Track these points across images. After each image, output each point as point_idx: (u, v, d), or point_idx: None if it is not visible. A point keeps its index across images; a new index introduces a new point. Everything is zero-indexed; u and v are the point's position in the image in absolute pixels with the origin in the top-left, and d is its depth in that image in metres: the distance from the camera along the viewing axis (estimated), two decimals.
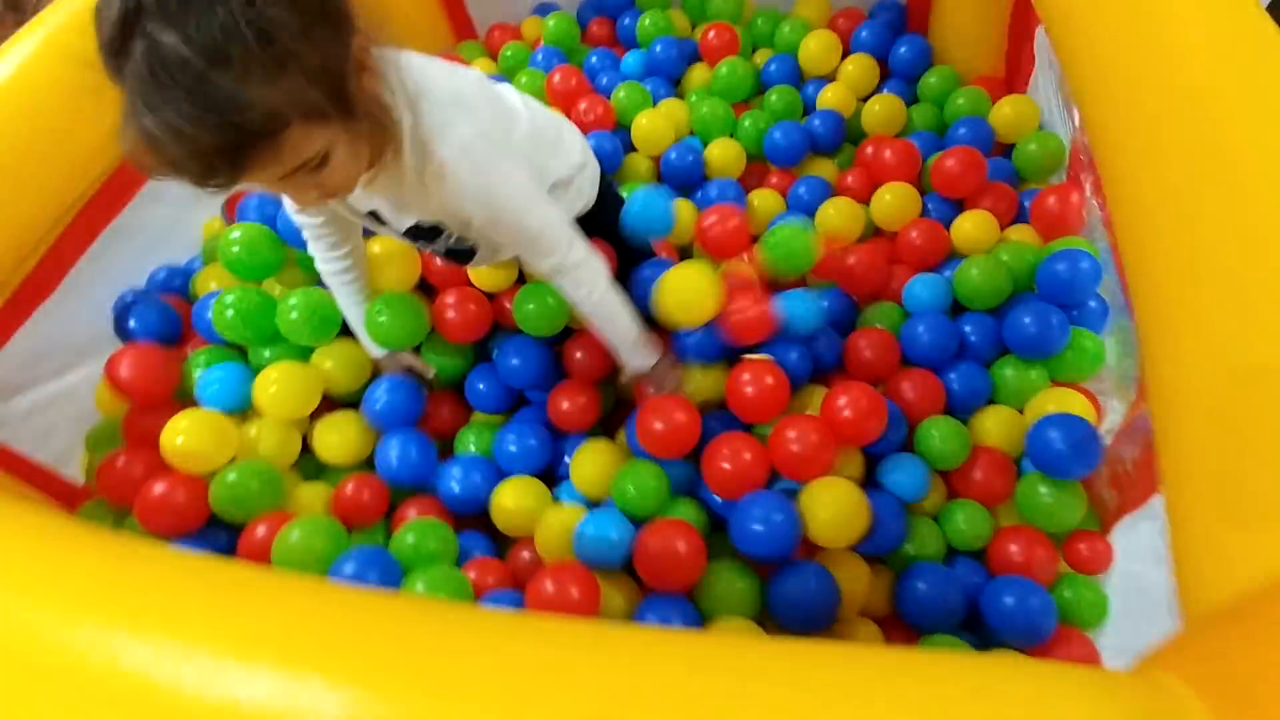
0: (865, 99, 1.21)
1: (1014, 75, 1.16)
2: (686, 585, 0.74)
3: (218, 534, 0.82)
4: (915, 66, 1.22)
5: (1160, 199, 0.52)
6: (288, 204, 0.58)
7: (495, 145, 0.67)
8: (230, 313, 0.91)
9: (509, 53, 1.38)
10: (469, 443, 0.92)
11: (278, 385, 0.87)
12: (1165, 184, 0.52)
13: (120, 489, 0.84)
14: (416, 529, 0.79)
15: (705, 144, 1.21)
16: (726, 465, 0.78)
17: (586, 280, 0.75)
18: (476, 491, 0.84)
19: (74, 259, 1.02)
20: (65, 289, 0.99)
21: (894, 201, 1.04)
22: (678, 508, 0.82)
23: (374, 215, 0.74)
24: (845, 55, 1.25)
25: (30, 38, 0.83)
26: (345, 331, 0.92)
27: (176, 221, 1.15)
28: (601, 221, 0.89)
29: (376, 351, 0.91)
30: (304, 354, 0.93)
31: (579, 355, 0.89)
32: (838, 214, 1.06)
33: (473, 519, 0.87)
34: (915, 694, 0.29)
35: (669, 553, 0.72)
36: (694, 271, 0.82)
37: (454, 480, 0.85)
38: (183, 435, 0.82)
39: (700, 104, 1.22)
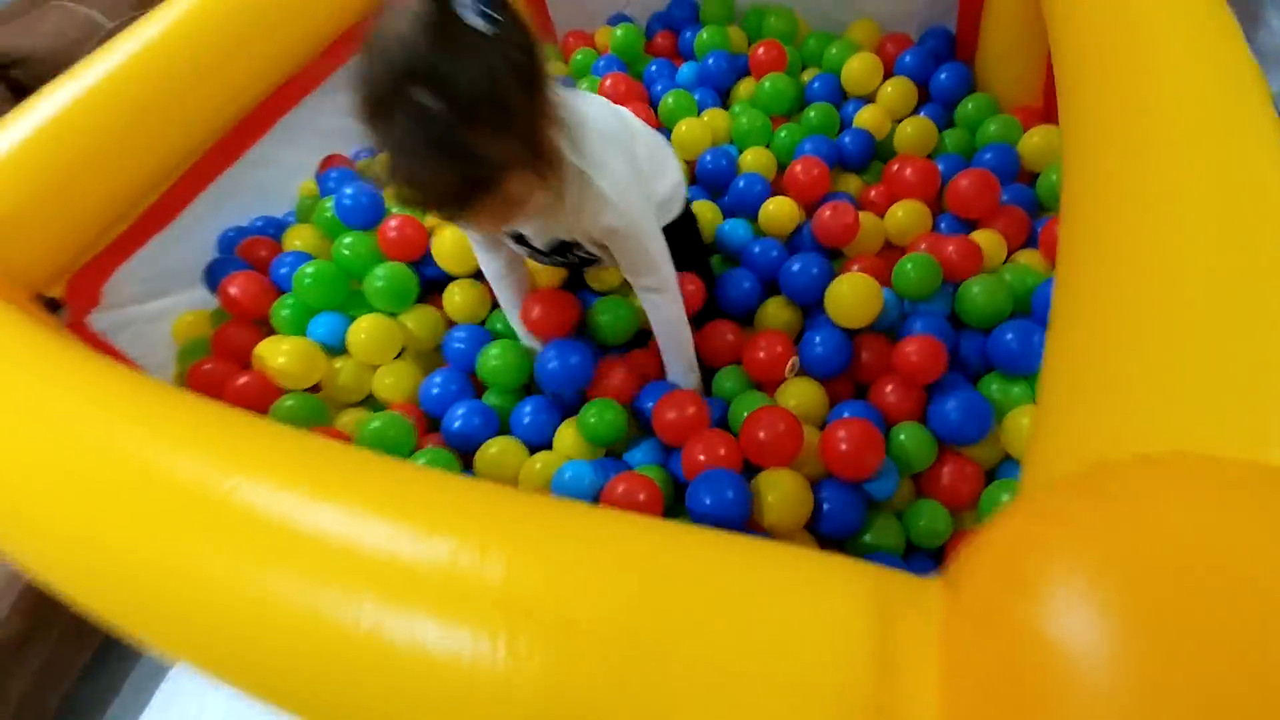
0: (901, 120, 1.26)
1: (1051, 107, 1.18)
2: None
3: None
4: (954, 93, 1.26)
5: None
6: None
7: (635, 176, 0.78)
8: (308, 280, 1.08)
9: (579, 57, 1.51)
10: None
11: (366, 333, 1.03)
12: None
13: (205, 389, 1.02)
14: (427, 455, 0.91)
15: (741, 152, 1.29)
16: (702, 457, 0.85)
17: (670, 301, 0.86)
18: (475, 434, 0.95)
19: (189, 199, 1.23)
20: (180, 223, 1.20)
21: (905, 218, 1.09)
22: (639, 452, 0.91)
23: (518, 235, 0.84)
24: (889, 78, 1.31)
25: None
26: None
27: (277, 180, 1.34)
28: (681, 236, 0.95)
29: (530, 342, 1.00)
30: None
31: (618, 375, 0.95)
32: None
33: None
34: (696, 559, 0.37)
35: (631, 504, 0.81)
36: None
37: (457, 419, 0.95)
38: (284, 356, 1.01)
39: (741, 115, 1.30)
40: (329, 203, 1.20)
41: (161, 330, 1.19)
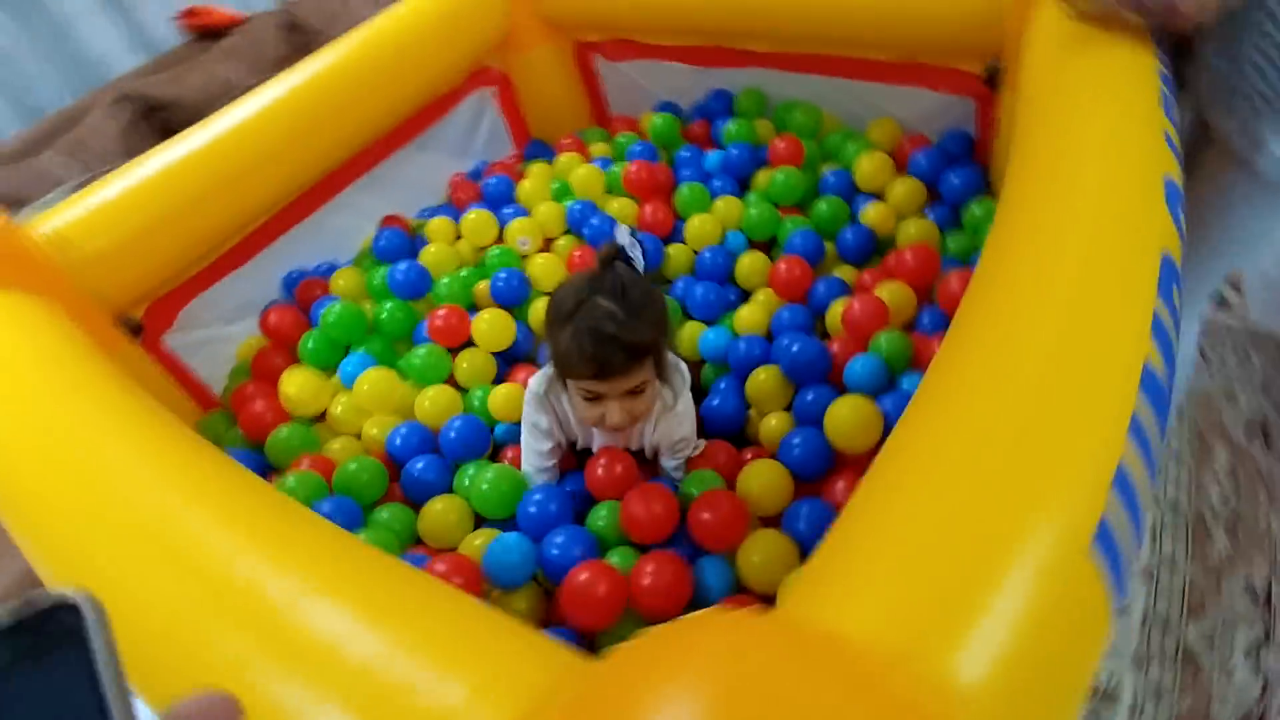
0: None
1: None
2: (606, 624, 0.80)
3: None
4: (963, 195, 1.26)
5: None
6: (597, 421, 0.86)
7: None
8: (331, 317, 1.26)
9: (620, 139, 1.64)
10: None
11: (369, 384, 1.17)
12: None
13: (240, 405, 1.22)
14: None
15: (750, 241, 1.36)
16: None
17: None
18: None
19: (269, 241, 1.44)
20: (257, 260, 1.41)
21: (888, 298, 1.10)
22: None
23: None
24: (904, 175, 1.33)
25: None
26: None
27: (351, 226, 1.55)
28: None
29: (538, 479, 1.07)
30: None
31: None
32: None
33: None
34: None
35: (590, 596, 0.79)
36: None
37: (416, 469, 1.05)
38: (294, 386, 1.19)
39: (752, 206, 1.36)
40: (380, 271, 1.37)
41: (228, 352, 1.39)
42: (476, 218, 1.44)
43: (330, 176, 1.52)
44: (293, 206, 1.46)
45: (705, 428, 1.06)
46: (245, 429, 1.19)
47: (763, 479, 0.91)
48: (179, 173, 1.20)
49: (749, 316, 1.21)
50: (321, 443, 1.18)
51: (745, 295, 1.30)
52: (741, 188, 1.47)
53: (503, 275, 1.31)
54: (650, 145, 1.57)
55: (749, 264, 1.30)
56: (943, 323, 1.08)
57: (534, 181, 1.54)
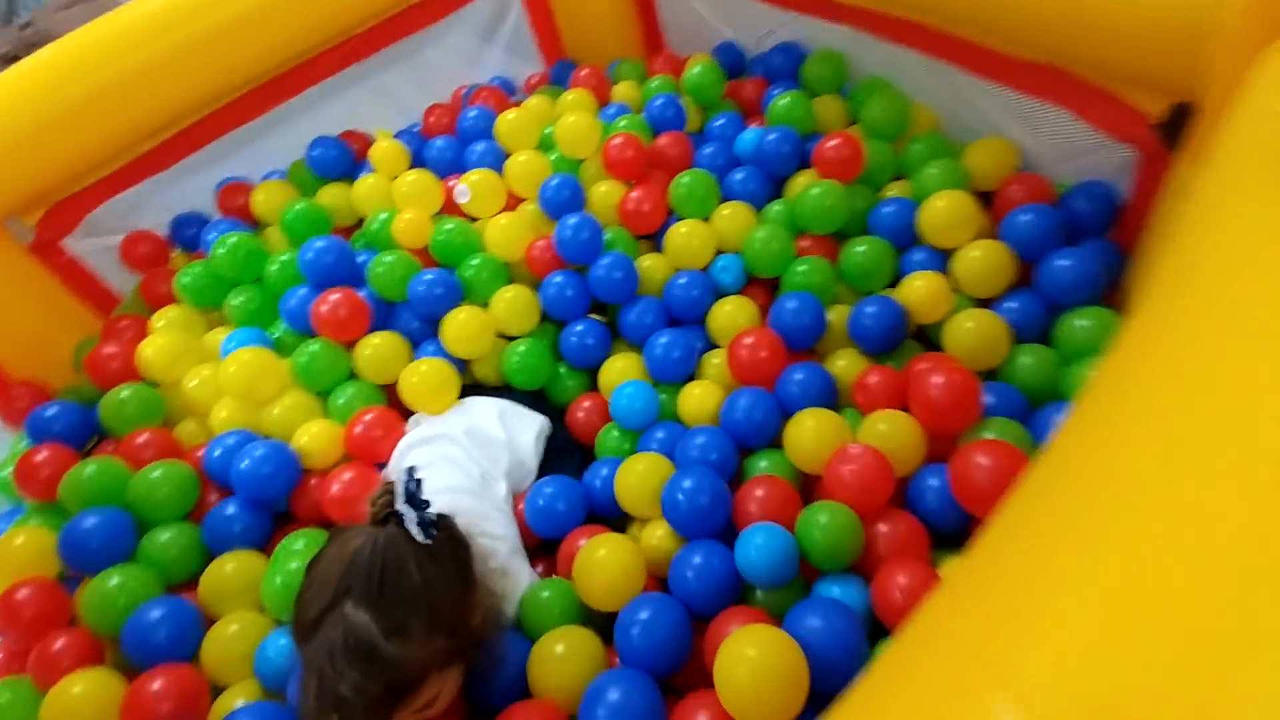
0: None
1: None
2: None
3: None
4: (1070, 292, 0.81)
5: None
6: None
7: None
8: (222, 250, 1.05)
9: (653, 83, 1.24)
10: None
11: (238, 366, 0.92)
12: None
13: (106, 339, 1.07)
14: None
15: (751, 275, 0.98)
16: None
17: None
18: None
19: (190, 151, 1.22)
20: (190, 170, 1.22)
21: (889, 430, 0.73)
22: None
23: None
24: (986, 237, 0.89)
25: None
26: None
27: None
28: None
29: None
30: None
31: None
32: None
33: None
34: None
35: None
36: None
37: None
38: (152, 348, 0.97)
39: (761, 229, 0.96)
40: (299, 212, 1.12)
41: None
42: (416, 179, 1.10)
43: (290, 74, 1.25)
44: (237, 107, 1.22)
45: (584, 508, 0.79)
46: (92, 373, 1.01)
47: None
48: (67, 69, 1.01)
49: (699, 398, 0.86)
50: (171, 417, 0.99)
51: (712, 349, 0.94)
52: (774, 189, 1.07)
53: (387, 259, 1.00)
54: (677, 101, 1.17)
55: (728, 313, 0.93)
56: (939, 504, 0.69)
57: (524, 118, 1.18)
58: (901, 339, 0.86)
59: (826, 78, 1.13)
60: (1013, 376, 0.79)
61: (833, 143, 0.99)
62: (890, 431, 0.73)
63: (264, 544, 0.84)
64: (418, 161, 1.22)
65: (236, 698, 0.69)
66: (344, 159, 1.24)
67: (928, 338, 0.88)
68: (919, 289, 0.86)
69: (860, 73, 1.13)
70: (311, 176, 1.24)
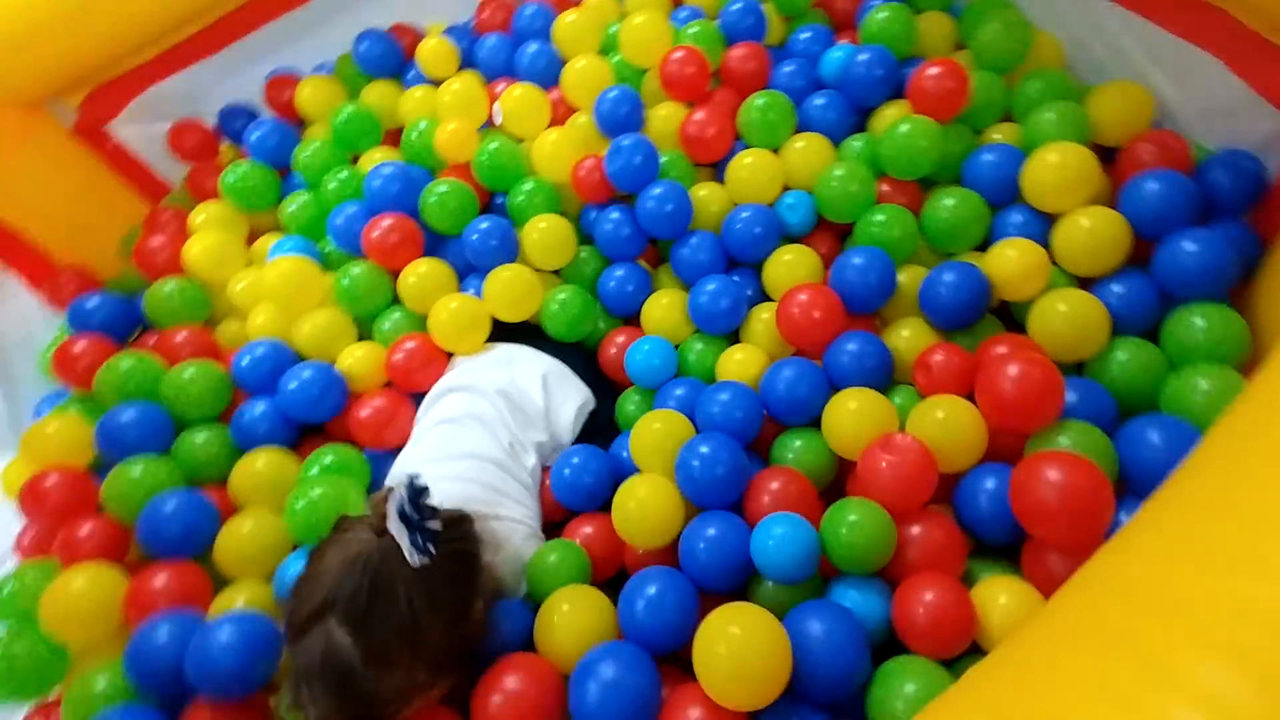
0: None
1: None
2: None
3: None
4: (1195, 287, 0.69)
5: None
6: None
7: None
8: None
9: None
10: None
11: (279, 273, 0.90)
12: None
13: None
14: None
15: (822, 217, 0.88)
16: None
17: None
18: None
19: (238, 36, 1.16)
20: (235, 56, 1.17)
21: (939, 429, 0.65)
22: None
23: None
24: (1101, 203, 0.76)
25: None
26: None
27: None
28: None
29: None
30: None
31: None
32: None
33: None
34: None
35: None
36: None
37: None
38: (199, 245, 0.97)
39: (840, 165, 0.85)
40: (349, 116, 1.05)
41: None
42: (461, 88, 1.00)
43: None
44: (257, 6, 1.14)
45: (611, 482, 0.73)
46: (140, 264, 1.00)
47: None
48: None
49: (741, 364, 0.79)
50: (215, 315, 0.99)
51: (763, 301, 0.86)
52: (858, 121, 0.94)
53: (440, 190, 0.93)
54: (758, 8, 1.03)
55: (787, 262, 0.84)
56: (989, 511, 0.62)
57: (585, 19, 1.06)
58: (979, 315, 0.76)
59: None
60: (1104, 374, 0.69)
61: (933, 70, 0.85)
62: (947, 420, 0.65)
63: (294, 448, 0.84)
64: (467, 63, 1.13)
65: (240, 594, 0.70)
66: (391, 55, 1.15)
67: (1010, 316, 0.78)
68: (1010, 259, 0.75)
69: None
70: (358, 73, 1.16)
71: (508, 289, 0.85)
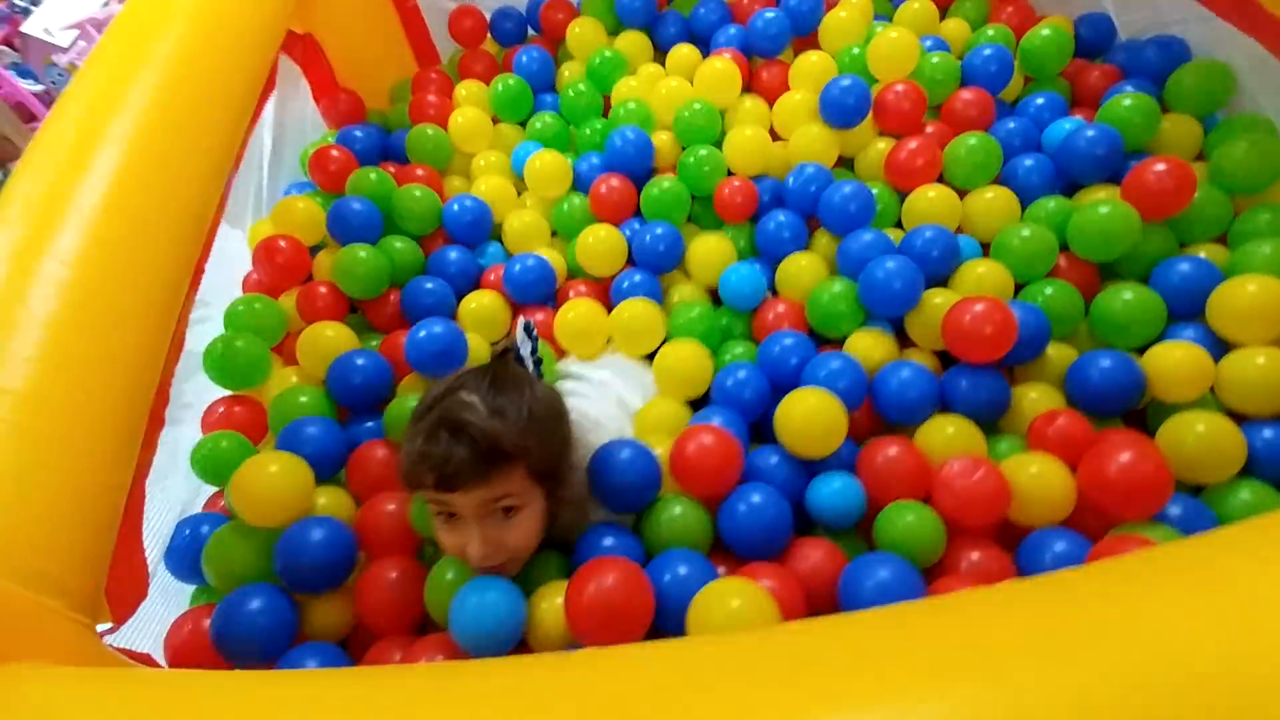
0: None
1: None
2: None
3: None
4: None
5: None
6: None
7: None
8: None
9: (988, 31, 1.11)
10: None
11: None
12: None
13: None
14: None
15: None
16: None
17: None
18: None
19: None
20: None
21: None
22: None
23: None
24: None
25: None
26: None
27: None
28: None
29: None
30: None
31: None
32: None
33: None
34: None
35: None
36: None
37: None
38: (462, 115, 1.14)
39: (1024, 226, 0.87)
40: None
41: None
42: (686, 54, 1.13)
43: None
44: None
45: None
46: (412, 110, 1.19)
47: None
48: None
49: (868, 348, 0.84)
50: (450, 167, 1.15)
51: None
52: (1063, 194, 0.94)
53: (664, 185, 1.02)
54: (1009, 61, 1.04)
55: (936, 305, 0.85)
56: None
57: (852, 16, 1.11)
58: (1123, 408, 0.76)
59: (1196, 96, 0.94)
60: (1221, 506, 0.67)
61: (1159, 166, 0.84)
62: (1040, 475, 0.67)
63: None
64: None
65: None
66: (649, 6, 1.24)
67: (1144, 419, 0.77)
68: (1174, 359, 0.74)
69: (1244, 106, 0.92)
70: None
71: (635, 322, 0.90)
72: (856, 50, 1.08)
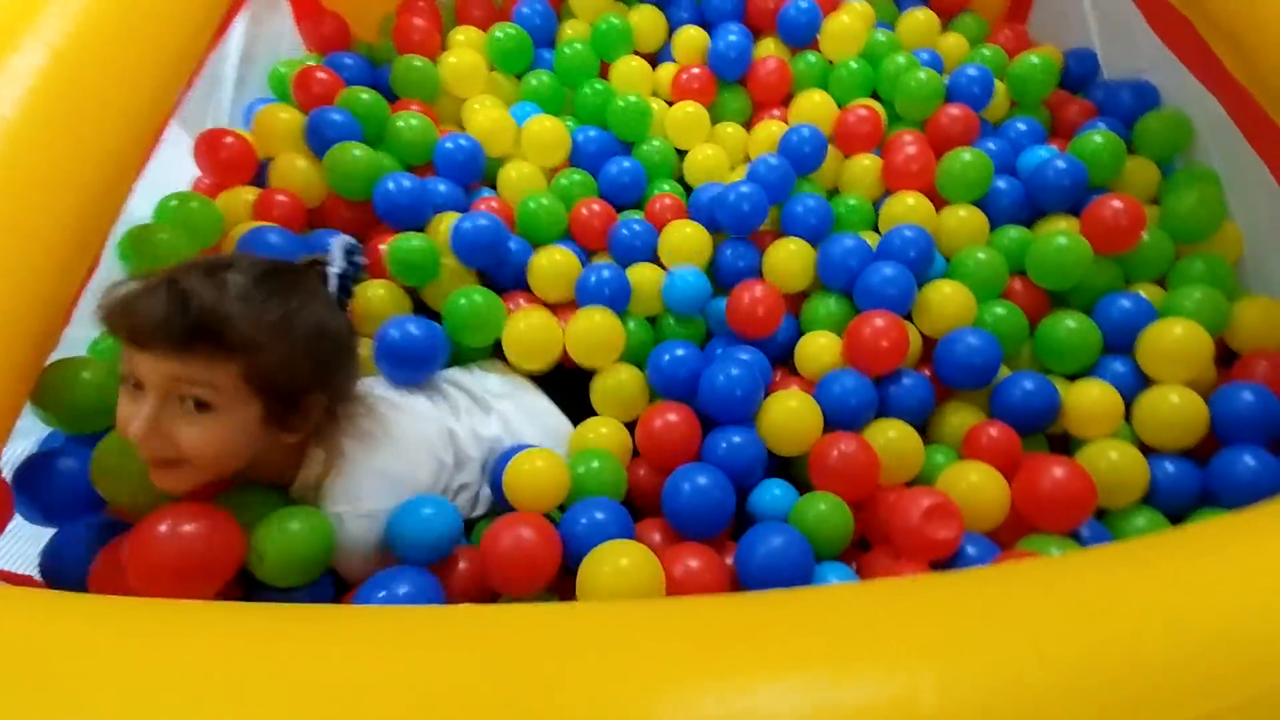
0: None
1: None
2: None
3: None
4: None
5: None
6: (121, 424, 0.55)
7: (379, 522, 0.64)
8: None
9: (983, 51, 1.15)
10: None
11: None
12: None
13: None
14: None
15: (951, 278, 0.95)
16: None
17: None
18: None
19: None
20: None
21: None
22: None
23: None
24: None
25: None
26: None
27: None
28: None
29: None
30: None
31: None
32: None
33: None
34: None
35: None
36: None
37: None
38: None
39: (982, 250, 0.92)
40: None
41: None
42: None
43: None
44: None
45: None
46: (396, 38, 1.13)
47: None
48: None
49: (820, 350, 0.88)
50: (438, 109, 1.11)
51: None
52: (1025, 221, 1.00)
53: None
54: (990, 86, 1.07)
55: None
56: None
57: (850, 24, 1.14)
58: (1037, 429, 0.83)
59: (1158, 142, 1.00)
60: (1118, 530, 0.76)
61: (1116, 204, 0.89)
62: (978, 485, 0.73)
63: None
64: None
65: None
66: None
67: (1065, 442, 0.85)
68: (1090, 396, 0.81)
69: (1200, 157, 0.99)
70: None
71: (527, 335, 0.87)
72: (855, 64, 1.10)
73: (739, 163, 1.11)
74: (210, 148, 0.95)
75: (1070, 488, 0.70)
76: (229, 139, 0.96)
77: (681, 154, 1.11)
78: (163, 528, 0.53)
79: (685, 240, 0.95)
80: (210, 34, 0.85)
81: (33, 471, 0.64)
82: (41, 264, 0.57)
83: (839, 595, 0.42)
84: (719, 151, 1.08)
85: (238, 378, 0.54)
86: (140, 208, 0.81)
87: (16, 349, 0.55)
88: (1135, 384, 0.84)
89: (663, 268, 0.95)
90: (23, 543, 0.69)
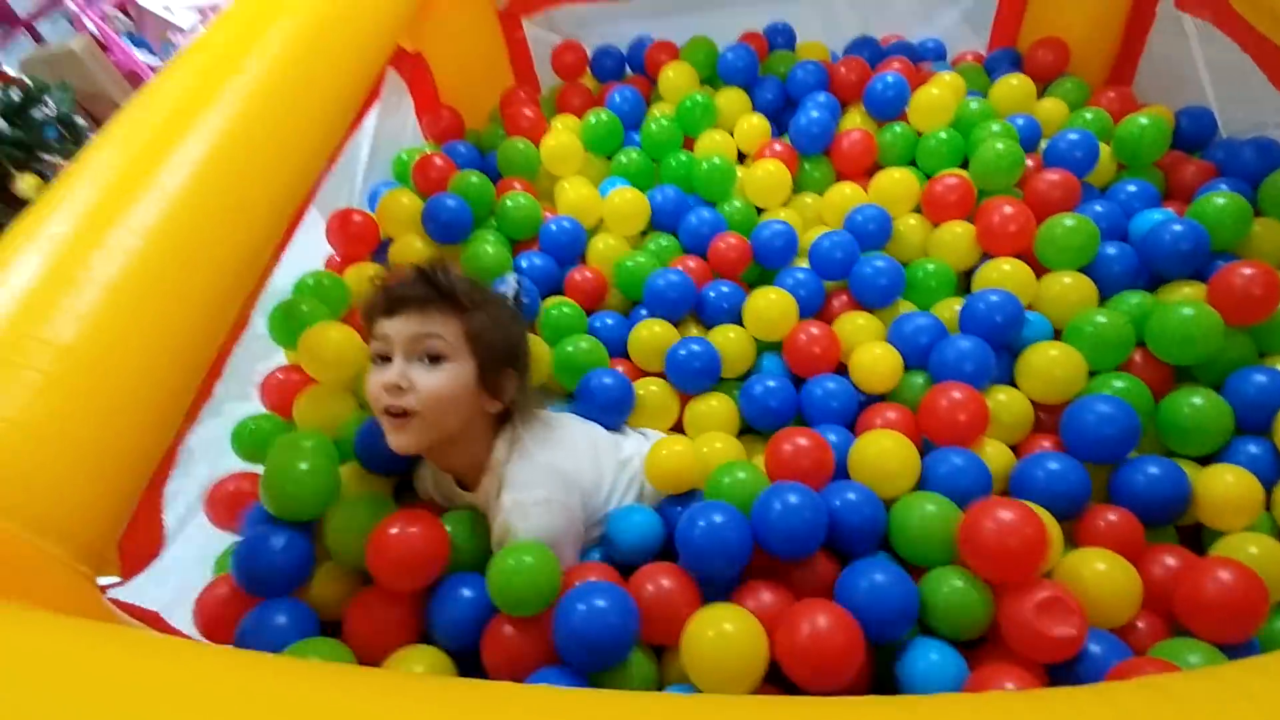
0: None
1: None
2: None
3: None
4: None
5: None
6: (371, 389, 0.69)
7: (564, 515, 0.72)
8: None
9: (1085, 114, 1.12)
10: None
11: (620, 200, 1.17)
12: None
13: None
14: None
15: None
16: None
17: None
18: None
19: None
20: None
21: None
22: None
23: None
24: None
25: None
26: None
27: None
28: None
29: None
30: None
31: None
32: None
33: None
34: None
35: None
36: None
37: None
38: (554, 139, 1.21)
39: (1101, 314, 0.86)
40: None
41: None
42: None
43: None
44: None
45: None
46: (506, 121, 1.25)
47: None
48: None
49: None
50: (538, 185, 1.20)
51: None
52: (1144, 288, 0.94)
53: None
54: (1094, 150, 1.04)
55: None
56: None
57: (940, 97, 1.15)
58: (1166, 521, 0.76)
59: None
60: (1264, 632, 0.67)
61: (1246, 270, 0.82)
62: (1107, 573, 0.66)
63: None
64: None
65: None
66: (749, 66, 1.28)
67: (1199, 540, 0.77)
68: (1225, 484, 0.73)
69: None
70: (706, 51, 1.31)
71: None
72: (944, 134, 1.11)
73: (814, 225, 1.13)
74: (341, 225, 1.06)
75: (1242, 593, 0.63)
76: (357, 218, 1.07)
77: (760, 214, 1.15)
78: (394, 530, 0.68)
79: (770, 306, 0.96)
80: (349, 126, 0.97)
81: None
82: (198, 325, 0.66)
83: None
84: (793, 215, 1.11)
85: (461, 334, 0.68)
86: (280, 280, 0.90)
87: (181, 393, 0.66)
88: (1274, 468, 0.76)
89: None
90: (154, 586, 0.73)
